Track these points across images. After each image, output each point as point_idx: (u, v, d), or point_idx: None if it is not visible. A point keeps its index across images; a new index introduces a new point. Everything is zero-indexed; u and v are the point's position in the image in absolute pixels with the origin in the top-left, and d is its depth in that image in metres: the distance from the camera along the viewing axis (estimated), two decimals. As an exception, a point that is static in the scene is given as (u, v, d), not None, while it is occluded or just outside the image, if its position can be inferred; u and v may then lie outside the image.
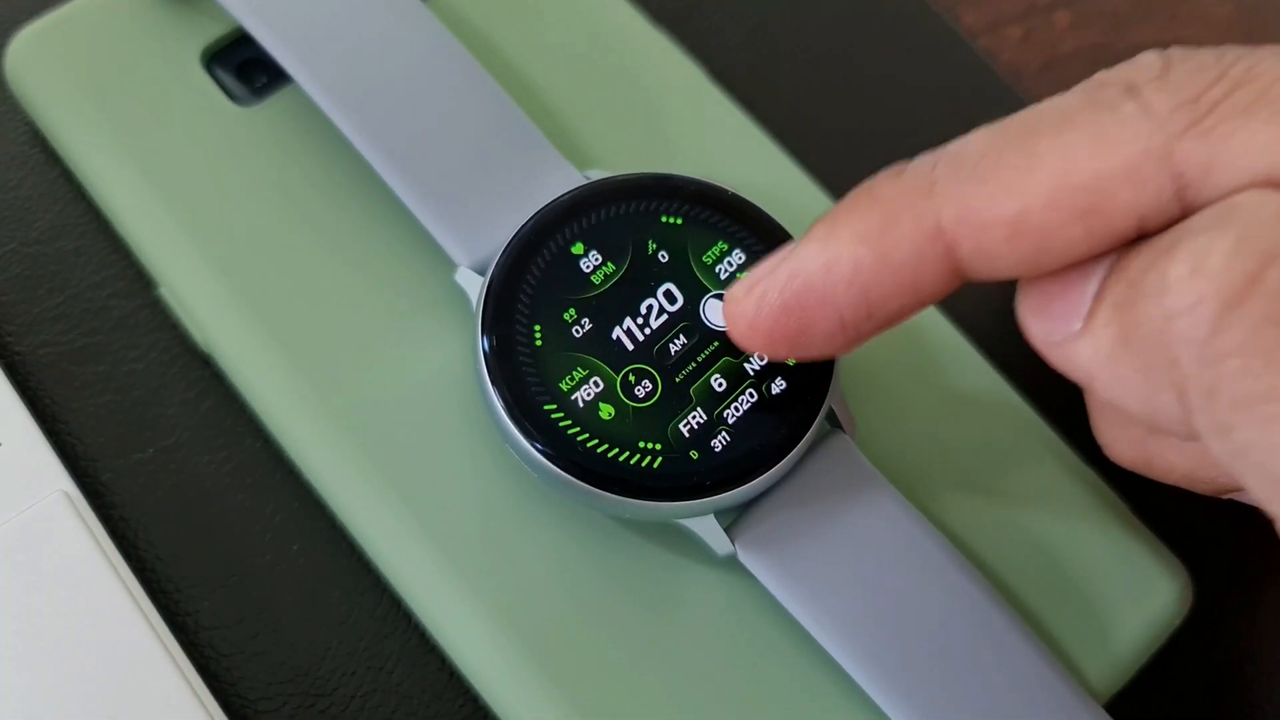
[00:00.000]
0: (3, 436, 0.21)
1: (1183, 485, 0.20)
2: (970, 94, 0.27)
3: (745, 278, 0.18)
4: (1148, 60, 0.16)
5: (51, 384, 0.22)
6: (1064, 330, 0.16)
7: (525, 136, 0.22)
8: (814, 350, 0.18)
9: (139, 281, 0.23)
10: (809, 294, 0.17)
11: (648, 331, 0.20)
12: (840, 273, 0.17)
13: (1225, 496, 0.20)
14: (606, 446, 0.19)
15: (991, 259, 0.16)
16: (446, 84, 0.22)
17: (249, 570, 0.21)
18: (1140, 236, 0.16)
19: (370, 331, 0.21)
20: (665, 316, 0.20)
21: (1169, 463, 0.20)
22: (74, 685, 0.19)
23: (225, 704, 0.20)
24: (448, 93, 0.22)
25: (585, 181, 0.21)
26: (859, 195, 0.17)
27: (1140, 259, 0.15)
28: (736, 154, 0.24)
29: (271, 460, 0.22)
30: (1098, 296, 0.16)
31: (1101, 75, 0.16)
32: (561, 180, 0.21)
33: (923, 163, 0.17)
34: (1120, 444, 0.20)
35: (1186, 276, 0.14)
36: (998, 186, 0.16)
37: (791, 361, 0.20)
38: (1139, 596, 0.21)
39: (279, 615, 0.21)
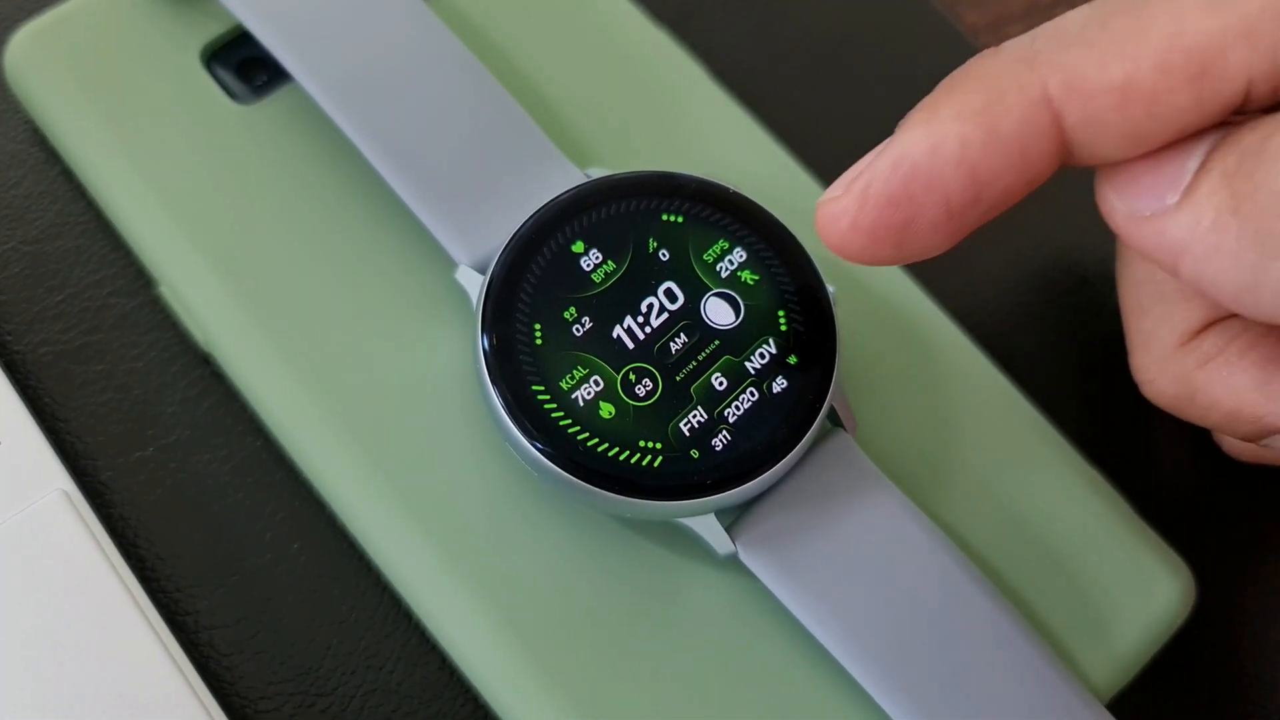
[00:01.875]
0: (2, 435, 0.21)
1: (1221, 427, 0.20)
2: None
3: (840, 178, 0.17)
4: None
5: (51, 382, 0.22)
6: (1156, 204, 0.16)
7: (526, 134, 0.22)
8: (916, 247, 0.17)
9: (139, 280, 0.23)
10: (915, 179, 0.16)
11: (648, 330, 0.20)
12: (947, 152, 0.16)
13: (1261, 443, 0.20)
14: (607, 445, 0.19)
15: (1099, 129, 0.16)
16: (447, 82, 0.22)
17: (249, 569, 0.21)
18: (1241, 112, 0.16)
19: (370, 330, 0.21)
20: (666, 315, 0.20)
21: (1213, 398, 0.19)
22: (73, 684, 0.19)
23: (225, 703, 0.20)
24: (448, 91, 0.22)
25: (586, 180, 0.21)
26: (956, 77, 0.17)
27: (1257, 132, 0.15)
28: (737, 152, 0.24)
29: (271, 459, 0.22)
30: (1201, 168, 0.16)
31: None
32: (562, 178, 0.21)
33: (1019, 40, 0.16)
34: (1163, 379, 0.20)
35: None
36: (1106, 50, 0.16)
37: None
38: (1142, 595, 0.21)
39: (279, 614, 0.21)
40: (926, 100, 0.17)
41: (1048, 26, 0.16)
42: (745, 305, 0.20)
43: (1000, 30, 0.29)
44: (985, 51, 0.17)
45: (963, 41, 0.28)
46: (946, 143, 0.16)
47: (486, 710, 0.20)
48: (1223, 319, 0.19)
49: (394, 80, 0.22)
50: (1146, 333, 0.20)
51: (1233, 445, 0.21)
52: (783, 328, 0.20)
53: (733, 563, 0.20)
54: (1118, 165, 0.17)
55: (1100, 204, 0.17)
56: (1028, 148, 0.16)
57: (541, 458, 0.19)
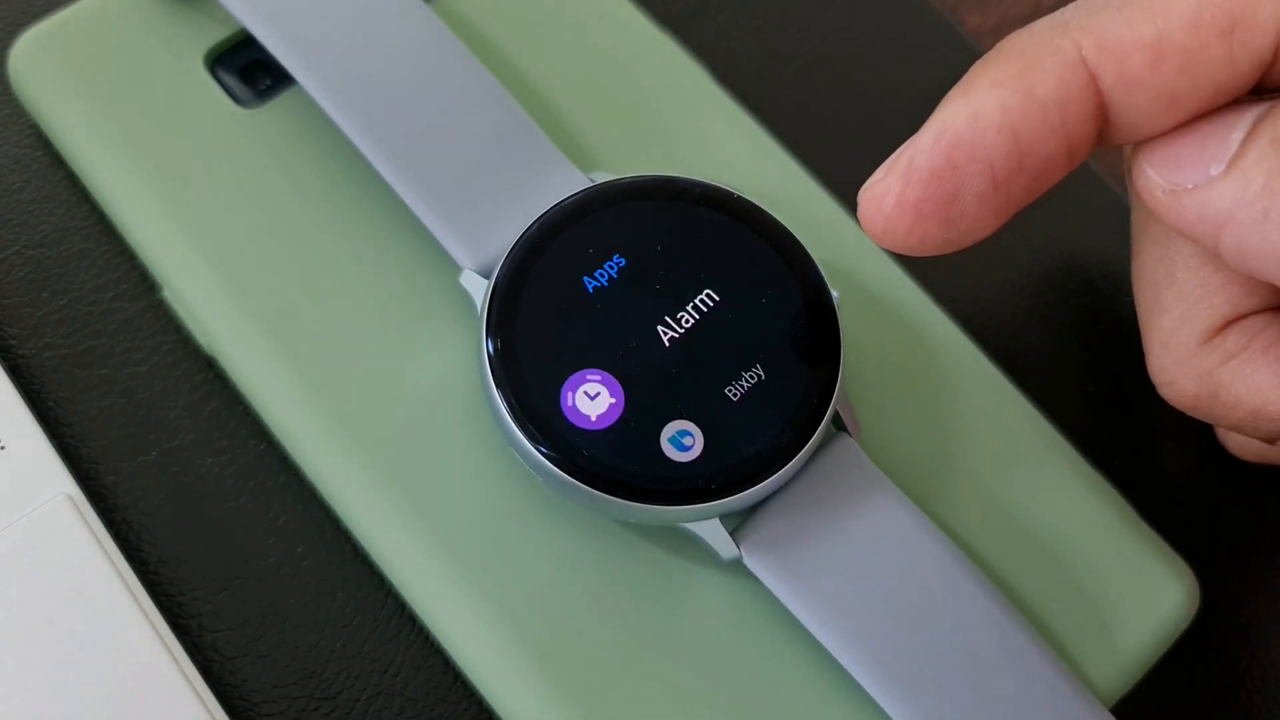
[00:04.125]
0: (6, 439, 0.21)
1: (1243, 426, 0.20)
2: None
3: (881, 166, 0.17)
4: None
5: (55, 387, 0.22)
6: (1199, 175, 0.16)
7: (529, 139, 0.22)
8: (964, 226, 0.17)
9: (143, 284, 0.23)
10: (958, 149, 0.16)
11: (652, 334, 0.20)
12: (987, 119, 0.16)
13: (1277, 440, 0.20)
14: (611, 450, 0.19)
15: (1135, 89, 0.16)
16: (450, 86, 0.22)
17: (253, 573, 0.21)
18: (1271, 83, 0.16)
19: (374, 334, 0.21)
20: (670, 319, 0.20)
21: (1236, 395, 0.19)
22: (78, 688, 0.19)
23: (229, 707, 0.20)
24: (452, 95, 0.22)
25: (590, 184, 0.21)
26: (991, 54, 0.17)
27: None
28: (741, 156, 0.24)
29: (275, 463, 0.22)
30: (1249, 136, 0.16)
31: None
32: (566, 183, 0.21)
33: (1051, 14, 0.17)
34: (1184, 379, 0.20)
35: None
36: (1136, 10, 0.16)
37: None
38: (1146, 599, 0.21)
39: (283, 618, 0.21)
40: (963, 79, 0.17)
41: (1076, 1, 0.17)
42: (749, 309, 0.20)
43: (1003, 33, 0.29)
44: (1016, 31, 0.17)
45: (965, 45, 0.28)
46: (986, 109, 0.16)
47: (490, 714, 0.20)
48: (1245, 316, 0.19)
49: (398, 84, 0.22)
50: (1167, 332, 0.20)
51: (1239, 444, 0.20)
52: (787, 332, 0.20)
53: (737, 567, 0.20)
54: (1155, 141, 0.17)
55: (1137, 181, 0.17)
56: (1067, 109, 0.16)
57: (546, 462, 0.19)
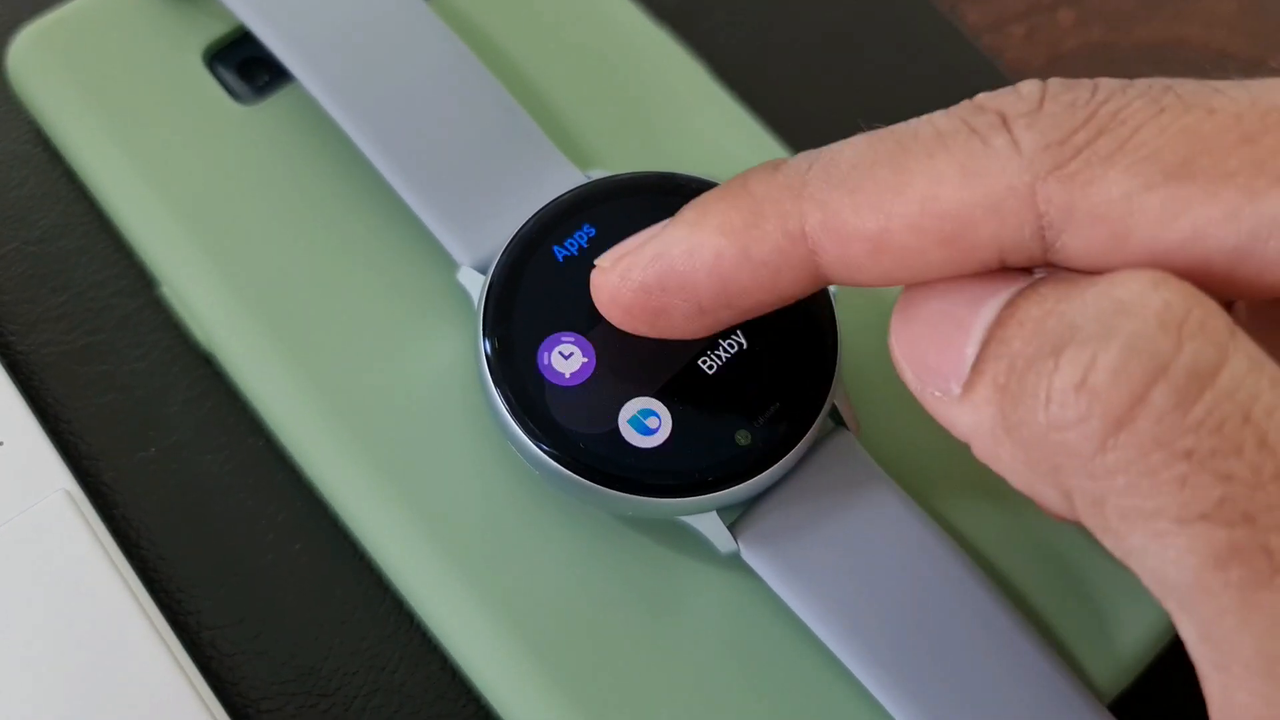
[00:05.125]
0: (5, 436, 0.21)
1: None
2: (973, 93, 0.27)
3: (615, 248, 0.18)
4: (1026, 91, 0.15)
5: (54, 383, 0.22)
6: (943, 386, 0.16)
7: (527, 135, 0.22)
8: (672, 331, 0.18)
9: (141, 281, 0.23)
10: (670, 276, 0.17)
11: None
12: (701, 260, 0.17)
13: None
14: (609, 444, 0.19)
15: (853, 270, 0.16)
16: (448, 83, 0.22)
17: (251, 570, 0.21)
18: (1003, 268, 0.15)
19: (372, 330, 0.21)
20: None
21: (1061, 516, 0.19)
22: (76, 684, 0.19)
23: (227, 704, 0.20)
24: (449, 91, 0.22)
25: (587, 180, 0.21)
26: (733, 185, 0.17)
27: (1025, 342, 0.15)
28: (739, 152, 0.24)
29: (274, 459, 0.22)
30: (977, 365, 0.15)
31: (982, 98, 0.16)
32: (563, 179, 0.21)
33: (800, 161, 0.17)
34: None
35: (1071, 391, 0.14)
36: (864, 200, 0.16)
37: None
38: (1144, 596, 0.21)
39: (281, 615, 0.21)
40: (701, 199, 0.17)
41: (829, 152, 0.16)
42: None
43: (1002, 30, 0.29)
44: (769, 163, 0.17)
45: (964, 41, 0.28)
46: (702, 251, 0.17)
47: (489, 711, 0.20)
48: None
49: (396, 81, 0.22)
50: None
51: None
52: (784, 325, 0.20)
53: (735, 561, 0.20)
54: (905, 323, 0.16)
55: (895, 365, 0.17)
56: (780, 274, 0.16)
57: (544, 457, 0.19)
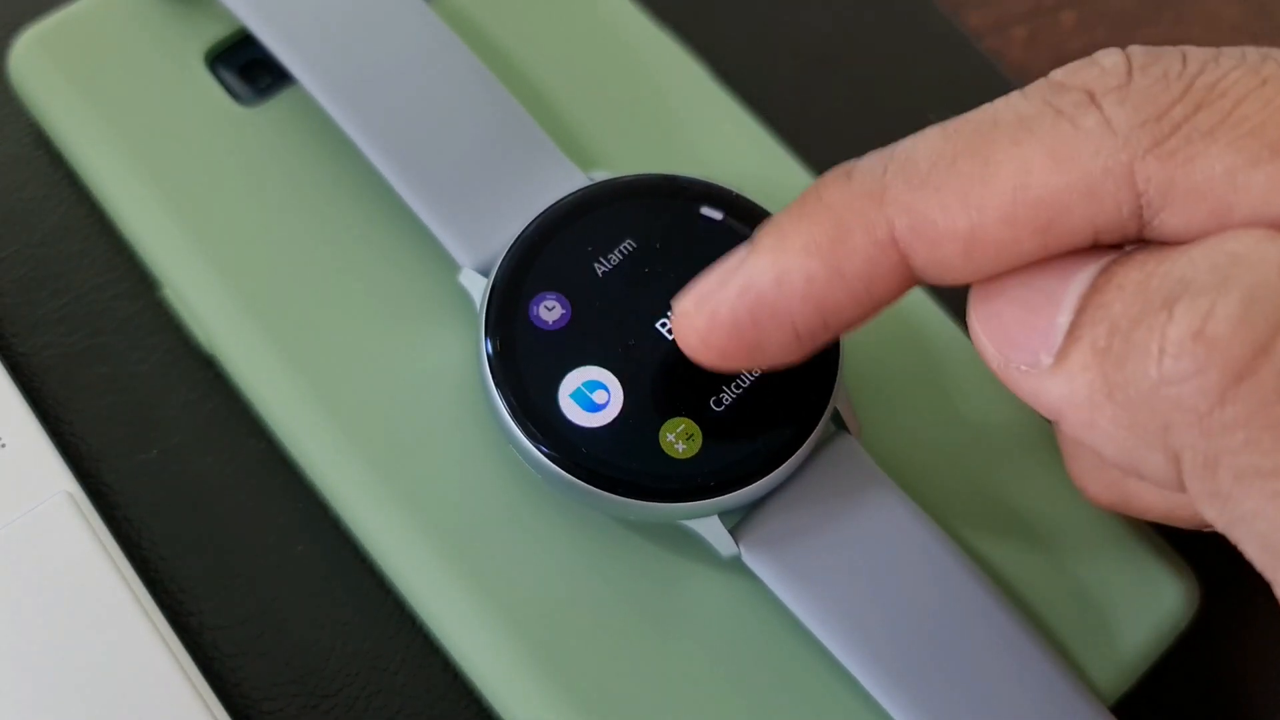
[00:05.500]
0: (6, 437, 0.21)
1: (1161, 521, 0.20)
2: (976, 95, 0.26)
3: (694, 288, 0.17)
4: (1110, 63, 0.15)
5: (55, 385, 0.22)
6: (1030, 360, 0.15)
7: (529, 137, 0.22)
8: (770, 361, 0.17)
9: (143, 283, 0.23)
10: (761, 309, 0.16)
11: (652, 332, 0.20)
12: (793, 286, 0.16)
13: (1205, 530, 0.20)
14: (610, 448, 0.19)
15: (946, 270, 0.16)
16: (450, 84, 0.22)
17: (252, 571, 0.21)
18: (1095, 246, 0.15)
19: (373, 332, 0.21)
20: (669, 317, 0.20)
21: (1146, 503, 0.19)
22: (77, 685, 0.19)
23: (229, 704, 0.20)
24: (451, 93, 0.22)
25: (589, 182, 0.21)
26: (808, 201, 0.16)
27: (1127, 303, 0.14)
28: (740, 154, 0.24)
29: (275, 461, 0.22)
30: (1072, 332, 0.15)
31: (1061, 75, 0.15)
32: (565, 181, 0.21)
33: (873, 165, 0.16)
34: (1095, 487, 0.20)
35: (1188, 341, 0.13)
36: (952, 197, 0.15)
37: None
38: (1146, 599, 0.21)
39: (283, 616, 0.21)
40: (776, 220, 0.16)
41: (901, 151, 0.16)
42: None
43: (1004, 32, 0.29)
44: (838, 170, 0.16)
45: (966, 43, 0.27)
46: (791, 276, 0.16)
47: (490, 712, 0.20)
48: None
49: (397, 82, 0.22)
50: (1071, 444, 0.20)
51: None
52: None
53: (736, 565, 0.20)
54: (985, 300, 0.16)
55: (973, 337, 0.16)
56: (874, 284, 0.16)
57: (545, 460, 0.19)
